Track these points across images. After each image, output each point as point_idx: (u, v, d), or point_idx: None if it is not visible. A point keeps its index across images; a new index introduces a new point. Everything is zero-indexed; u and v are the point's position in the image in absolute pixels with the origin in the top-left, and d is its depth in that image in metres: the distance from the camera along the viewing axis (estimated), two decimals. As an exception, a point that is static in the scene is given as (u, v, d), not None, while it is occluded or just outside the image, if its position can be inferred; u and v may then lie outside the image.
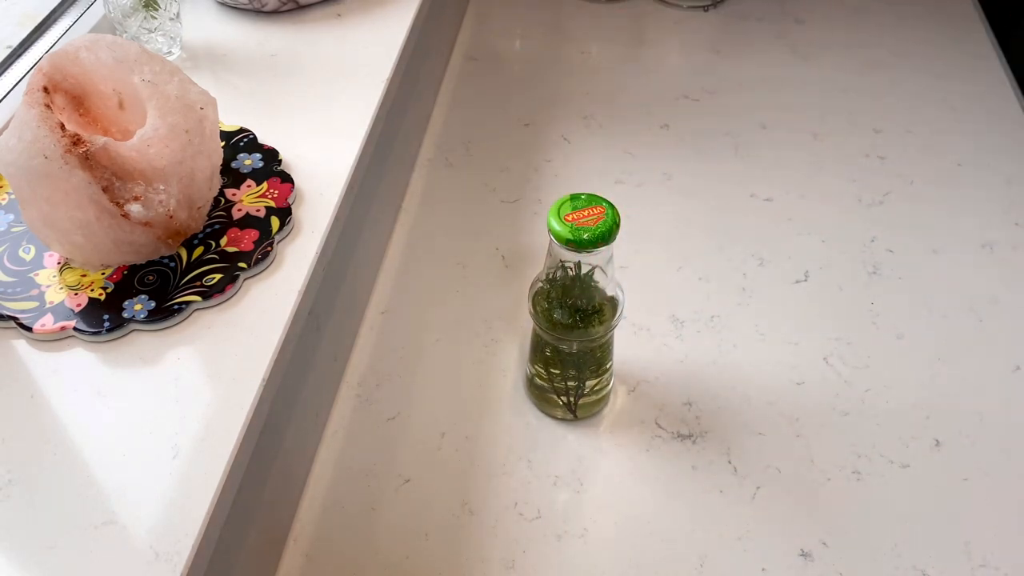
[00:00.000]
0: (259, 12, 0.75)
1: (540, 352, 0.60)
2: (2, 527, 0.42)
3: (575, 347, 0.57)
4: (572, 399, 0.61)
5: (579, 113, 0.90)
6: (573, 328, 0.55)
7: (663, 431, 0.62)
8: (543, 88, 0.93)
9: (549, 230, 0.51)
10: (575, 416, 0.62)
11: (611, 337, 0.59)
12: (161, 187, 0.50)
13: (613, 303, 0.56)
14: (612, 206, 0.51)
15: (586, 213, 0.51)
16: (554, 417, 0.63)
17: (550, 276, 0.55)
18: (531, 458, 0.61)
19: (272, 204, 0.57)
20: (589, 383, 0.60)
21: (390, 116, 0.72)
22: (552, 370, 0.60)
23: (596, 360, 0.59)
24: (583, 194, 0.52)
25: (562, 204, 0.51)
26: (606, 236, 0.50)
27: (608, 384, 0.62)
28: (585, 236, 0.50)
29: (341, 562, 0.56)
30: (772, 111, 0.89)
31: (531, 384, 0.63)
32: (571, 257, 0.52)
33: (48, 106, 0.48)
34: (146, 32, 0.67)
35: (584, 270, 0.53)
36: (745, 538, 0.57)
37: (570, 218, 0.50)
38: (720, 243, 0.76)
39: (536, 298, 0.56)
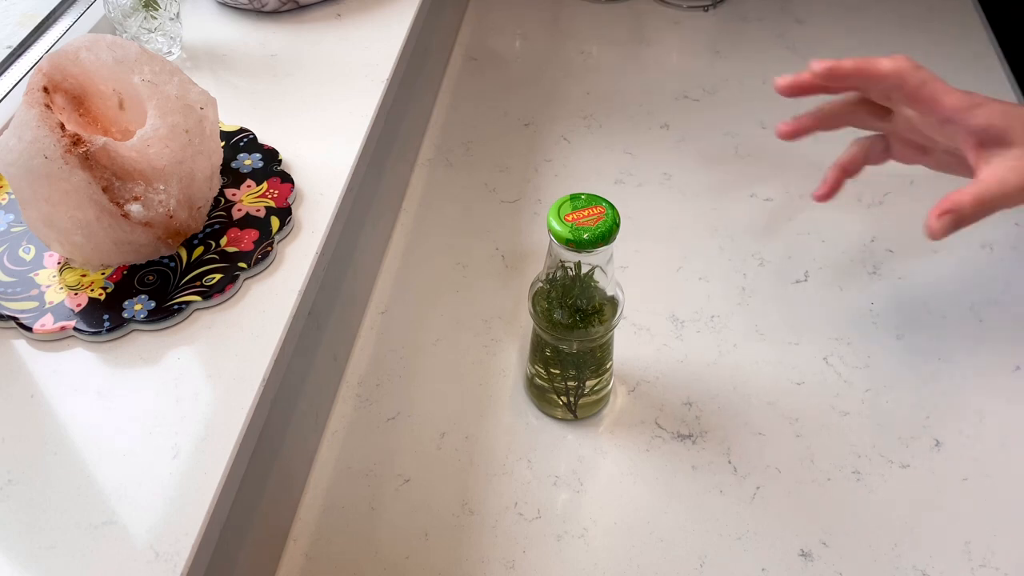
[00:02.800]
0: (259, 12, 0.75)
1: (540, 352, 0.60)
2: (2, 527, 0.42)
3: (575, 347, 0.57)
4: (572, 399, 0.61)
5: (579, 113, 0.90)
6: (573, 328, 0.55)
7: (663, 431, 0.62)
8: (543, 88, 0.93)
9: (549, 230, 0.51)
10: (575, 416, 0.62)
11: (611, 337, 0.59)
12: (161, 187, 0.50)
13: (613, 303, 0.56)
14: (612, 206, 0.51)
15: (586, 213, 0.51)
16: (554, 417, 0.63)
17: (550, 276, 0.55)
18: (531, 458, 0.61)
19: (272, 204, 0.57)
20: (589, 383, 0.60)
21: (390, 116, 0.72)
22: (552, 370, 0.60)
23: (596, 360, 0.59)
24: (583, 194, 0.52)
25: (562, 204, 0.51)
26: (606, 236, 0.50)
27: (608, 384, 0.62)
28: (585, 236, 0.50)
29: (341, 562, 0.56)
30: (772, 111, 0.89)
31: (531, 384, 0.63)
32: (571, 257, 0.52)
33: (48, 106, 0.48)
34: (146, 32, 0.67)
35: (584, 270, 0.53)
36: (745, 538, 0.57)
37: (570, 218, 0.50)
38: (720, 243, 0.76)
39: (536, 298, 0.56)
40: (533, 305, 0.57)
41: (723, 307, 0.70)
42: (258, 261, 0.53)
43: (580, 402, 0.61)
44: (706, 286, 0.72)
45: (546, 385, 0.61)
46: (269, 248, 0.54)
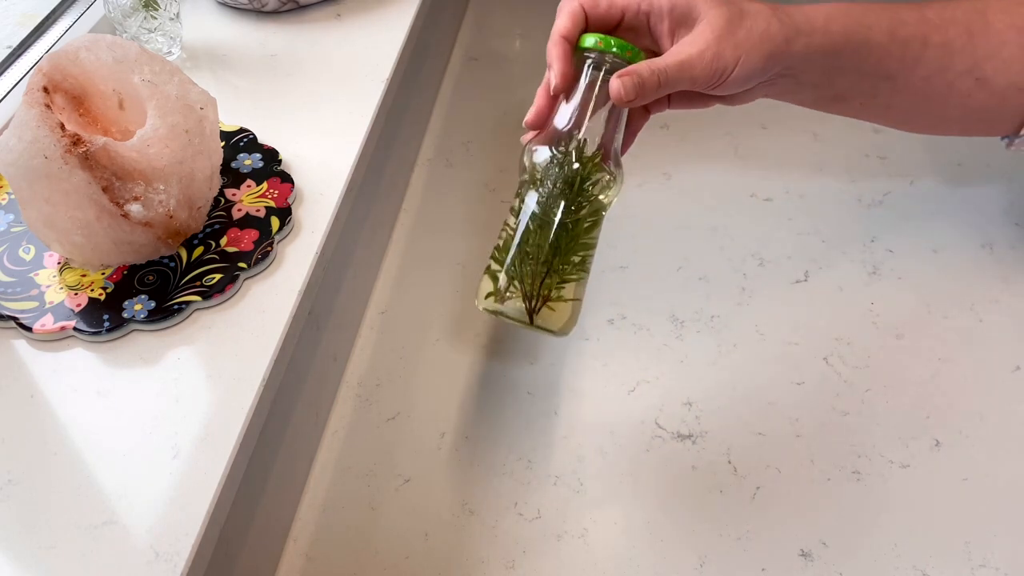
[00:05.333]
0: (259, 12, 0.75)
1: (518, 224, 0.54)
2: (2, 527, 0.42)
3: (559, 214, 0.52)
4: (536, 287, 0.53)
5: (579, 113, 0.90)
6: (562, 171, 0.52)
7: (663, 431, 0.62)
8: (543, 88, 0.93)
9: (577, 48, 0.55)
10: (530, 319, 0.53)
11: (595, 237, 0.53)
12: (161, 187, 0.50)
13: (609, 180, 0.53)
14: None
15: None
16: (504, 316, 0.55)
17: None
18: (531, 458, 0.61)
19: (272, 204, 0.57)
20: (555, 282, 0.53)
21: (390, 116, 0.72)
22: (514, 232, 0.54)
23: (575, 238, 0.52)
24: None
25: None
26: (627, 46, 0.51)
27: (577, 293, 0.54)
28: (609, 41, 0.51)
29: (341, 562, 0.56)
30: (772, 111, 0.89)
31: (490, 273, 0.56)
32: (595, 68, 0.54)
33: (48, 106, 0.48)
34: (146, 32, 0.67)
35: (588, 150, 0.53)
36: (745, 538, 0.57)
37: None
38: (720, 243, 0.76)
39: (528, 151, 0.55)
40: (525, 153, 0.54)
41: (723, 307, 0.70)
42: (258, 261, 0.53)
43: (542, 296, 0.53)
44: (706, 286, 0.72)
45: (506, 264, 0.54)
46: (269, 248, 0.54)
